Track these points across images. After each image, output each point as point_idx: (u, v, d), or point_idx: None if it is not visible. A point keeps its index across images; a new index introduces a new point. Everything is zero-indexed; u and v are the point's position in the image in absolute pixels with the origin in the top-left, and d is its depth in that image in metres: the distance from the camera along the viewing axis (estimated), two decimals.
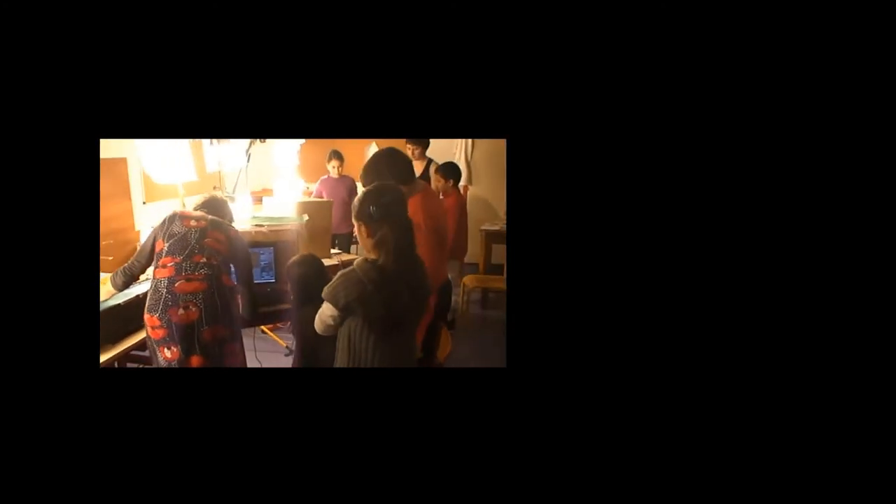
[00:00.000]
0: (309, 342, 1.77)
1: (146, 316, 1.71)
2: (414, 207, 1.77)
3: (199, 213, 2.01)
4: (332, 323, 1.48)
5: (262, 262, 2.57)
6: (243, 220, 2.70)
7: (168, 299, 1.67)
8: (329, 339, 1.59)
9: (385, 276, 1.39)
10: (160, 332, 1.67)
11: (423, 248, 1.73)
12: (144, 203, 3.77)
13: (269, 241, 2.55)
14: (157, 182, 2.96)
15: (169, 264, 1.75)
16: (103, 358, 1.81)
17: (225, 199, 2.23)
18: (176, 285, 1.69)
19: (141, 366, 2.44)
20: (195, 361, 1.67)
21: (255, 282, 2.38)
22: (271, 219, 2.75)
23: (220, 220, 2.03)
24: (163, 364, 1.70)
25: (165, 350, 1.68)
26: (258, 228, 2.58)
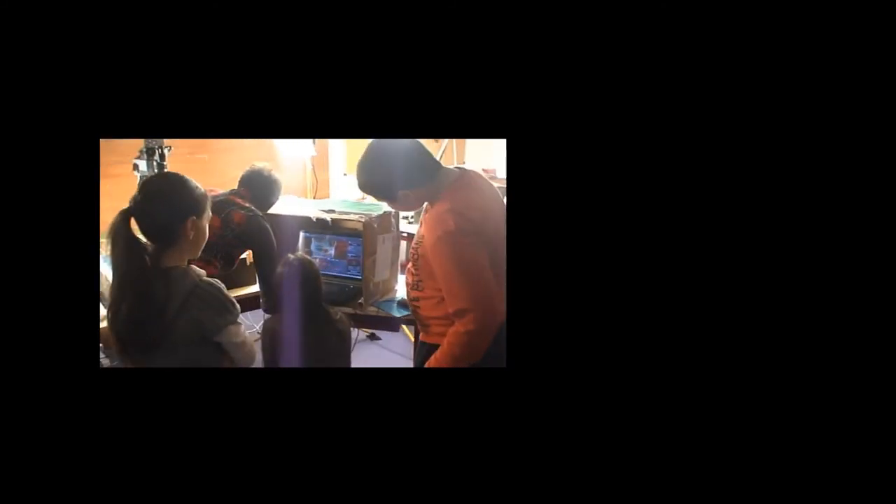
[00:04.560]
0: (266, 352, 1.75)
1: None
2: (427, 220, 1.44)
3: (216, 192, 1.97)
4: None
5: (350, 255, 2.31)
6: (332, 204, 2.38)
7: None
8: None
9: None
10: None
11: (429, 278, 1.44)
12: (346, 174, 3.50)
13: (359, 232, 2.17)
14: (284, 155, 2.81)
15: None
16: None
17: (271, 175, 2.13)
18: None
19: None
20: None
21: (341, 276, 2.26)
22: (351, 203, 2.42)
23: (232, 200, 1.97)
24: None
25: None
26: (322, 216, 2.29)
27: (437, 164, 1.52)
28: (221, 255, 1.97)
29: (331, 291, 2.17)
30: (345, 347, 1.81)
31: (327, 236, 2.35)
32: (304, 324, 1.68)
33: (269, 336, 1.74)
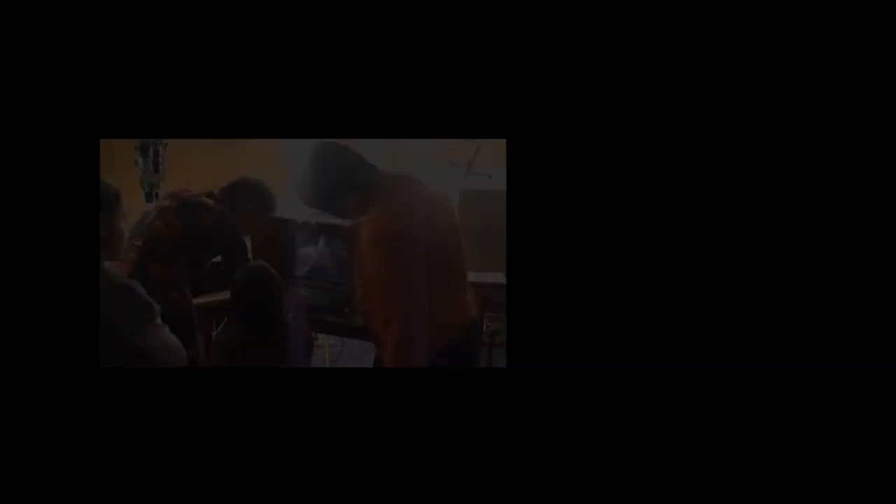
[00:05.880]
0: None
1: None
2: (368, 226, 1.34)
3: (190, 193, 1.91)
4: None
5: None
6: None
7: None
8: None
9: None
10: None
11: (373, 280, 1.33)
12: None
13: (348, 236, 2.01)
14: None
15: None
16: None
17: (259, 184, 2.04)
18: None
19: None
20: None
21: (334, 282, 2.15)
22: None
23: (202, 202, 1.89)
24: None
25: None
26: (307, 220, 2.14)
27: (373, 168, 1.42)
28: (184, 257, 1.88)
29: (323, 297, 2.09)
30: (289, 357, 1.64)
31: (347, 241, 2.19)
32: (250, 331, 1.58)
33: (217, 342, 1.69)
